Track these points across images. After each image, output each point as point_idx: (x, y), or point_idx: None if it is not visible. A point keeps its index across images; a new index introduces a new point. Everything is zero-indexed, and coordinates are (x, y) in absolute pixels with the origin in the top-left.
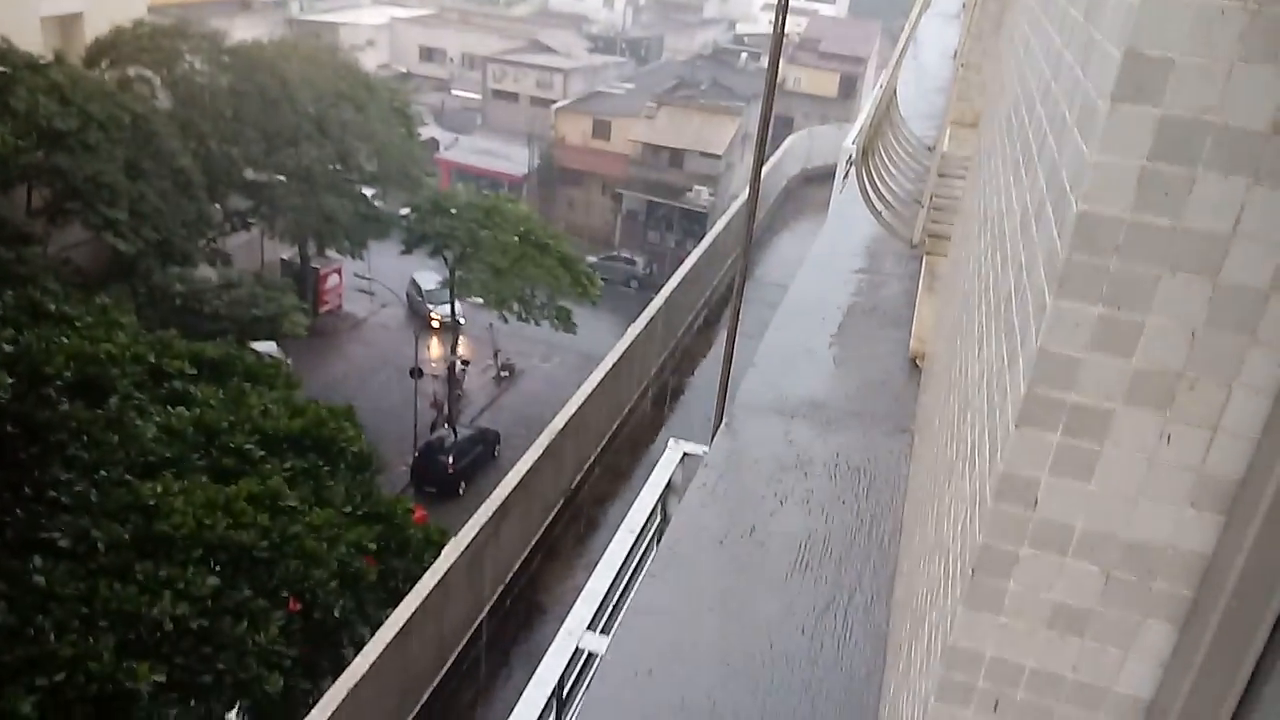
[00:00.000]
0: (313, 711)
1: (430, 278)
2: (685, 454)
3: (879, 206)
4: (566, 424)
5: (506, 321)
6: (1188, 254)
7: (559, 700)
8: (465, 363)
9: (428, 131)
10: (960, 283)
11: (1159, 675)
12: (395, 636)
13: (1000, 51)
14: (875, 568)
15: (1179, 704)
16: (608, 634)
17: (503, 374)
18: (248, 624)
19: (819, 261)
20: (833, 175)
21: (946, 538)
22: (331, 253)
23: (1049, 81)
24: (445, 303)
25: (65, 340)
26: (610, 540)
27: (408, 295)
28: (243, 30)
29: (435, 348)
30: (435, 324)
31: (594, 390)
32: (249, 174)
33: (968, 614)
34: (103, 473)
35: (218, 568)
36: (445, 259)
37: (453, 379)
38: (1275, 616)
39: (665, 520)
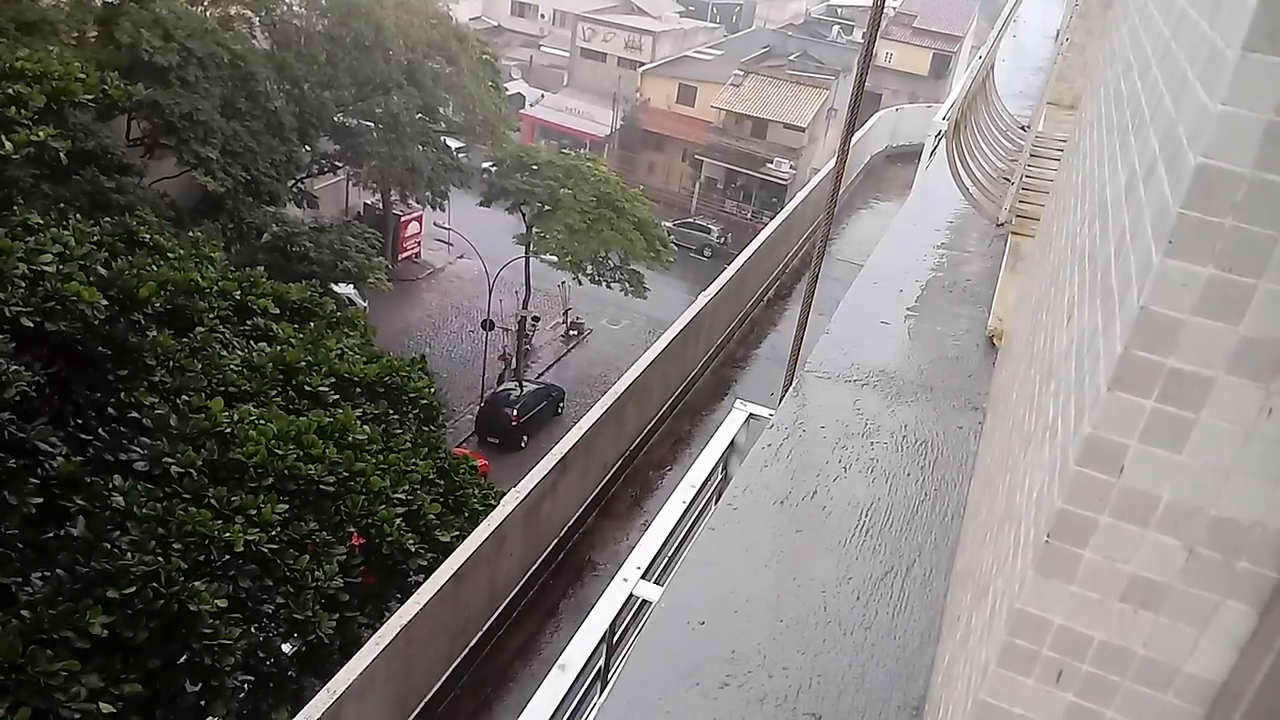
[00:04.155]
0: (367, 644)
1: None
2: (750, 415)
3: (967, 183)
4: (630, 386)
5: (580, 283)
6: None
7: (609, 645)
8: (535, 319)
9: (514, 87)
10: (1048, 259)
11: (1234, 658)
12: (449, 580)
13: (1108, 26)
14: (936, 541)
15: (1252, 689)
16: (662, 585)
17: (571, 333)
18: (309, 558)
19: (900, 234)
20: (917, 155)
21: (1019, 507)
22: (412, 201)
23: (1168, 41)
24: None
25: (157, 269)
26: (667, 499)
27: None
28: None
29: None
30: None
31: (659, 355)
32: (339, 118)
33: (1038, 580)
34: (185, 398)
35: (285, 499)
36: (523, 214)
37: (522, 334)
38: None
39: (726, 479)
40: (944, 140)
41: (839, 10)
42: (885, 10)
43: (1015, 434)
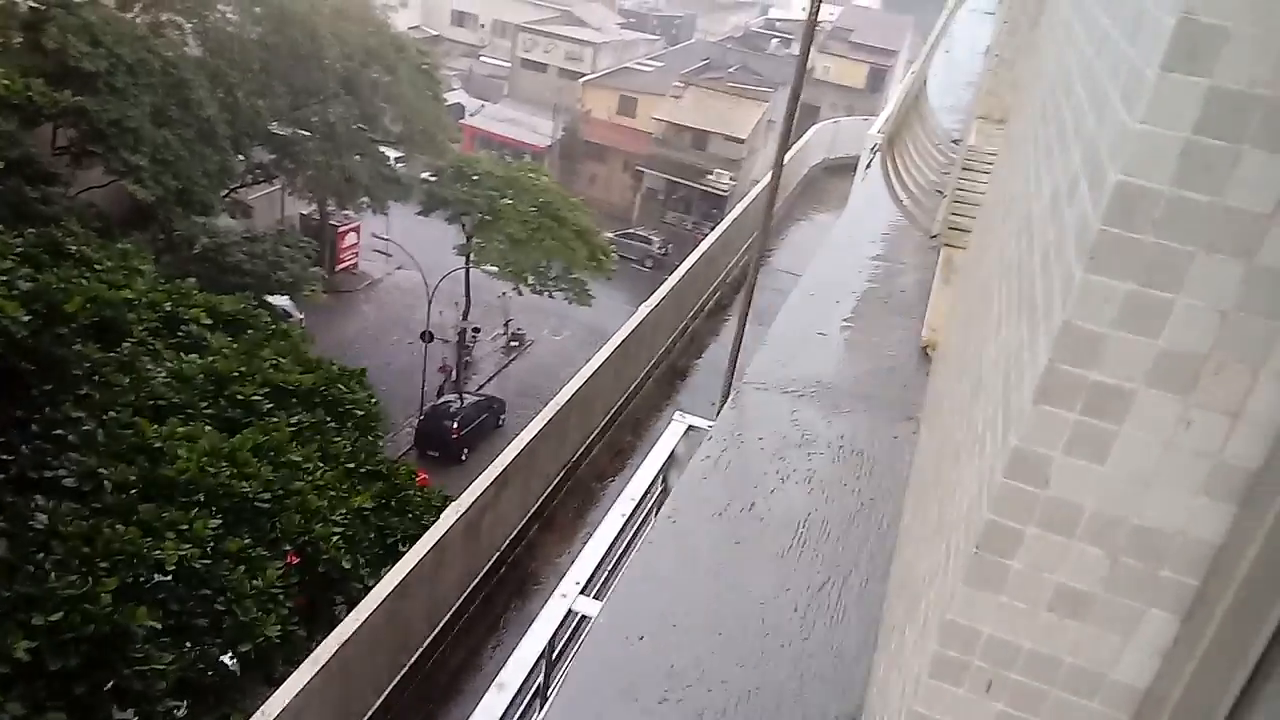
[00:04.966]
0: (304, 664)
1: None
2: (690, 427)
3: (901, 195)
4: (572, 398)
5: (521, 293)
6: (1225, 233)
7: (549, 661)
8: (476, 330)
9: (454, 97)
10: (979, 272)
11: (1157, 665)
12: (389, 595)
13: (1036, 43)
14: (872, 551)
15: (1176, 695)
16: (601, 599)
17: (513, 344)
18: (245, 569)
19: (837, 247)
20: (854, 167)
21: (950, 519)
22: (350, 211)
23: (1091, 59)
24: None
25: (84, 282)
26: (609, 511)
27: None
28: None
29: None
30: None
31: (601, 366)
32: (274, 127)
33: (968, 591)
34: (112, 414)
35: (219, 515)
36: (463, 225)
37: (463, 345)
38: None
39: (666, 491)
40: (879, 153)
41: (776, 24)
42: (821, 25)
43: (946, 445)
